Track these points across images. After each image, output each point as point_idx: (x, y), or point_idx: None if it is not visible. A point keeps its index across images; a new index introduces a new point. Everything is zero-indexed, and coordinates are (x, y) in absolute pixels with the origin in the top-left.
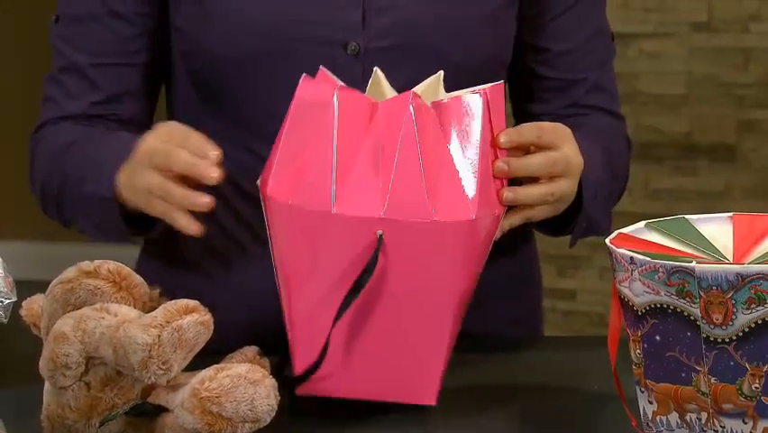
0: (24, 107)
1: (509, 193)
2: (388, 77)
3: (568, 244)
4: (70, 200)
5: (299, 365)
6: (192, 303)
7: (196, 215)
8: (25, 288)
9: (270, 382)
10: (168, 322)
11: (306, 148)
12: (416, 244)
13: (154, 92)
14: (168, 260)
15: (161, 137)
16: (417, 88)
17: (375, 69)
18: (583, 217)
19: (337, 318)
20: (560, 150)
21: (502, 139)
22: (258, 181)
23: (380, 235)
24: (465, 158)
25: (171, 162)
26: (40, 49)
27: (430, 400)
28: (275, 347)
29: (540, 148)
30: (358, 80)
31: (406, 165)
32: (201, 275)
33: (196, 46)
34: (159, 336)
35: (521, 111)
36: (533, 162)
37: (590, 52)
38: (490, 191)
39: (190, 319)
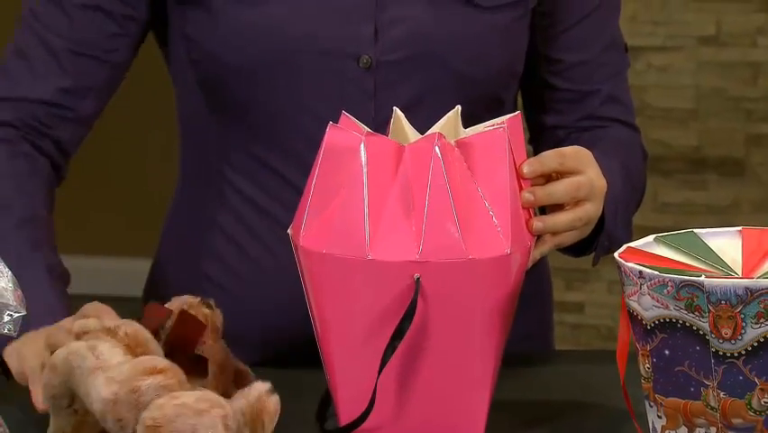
0: None
1: (539, 223)
2: (398, 89)
3: (577, 259)
4: None
5: (344, 414)
6: (162, 364)
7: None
8: None
9: (219, 413)
10: (129, 380)
11: (335, 195)
12: (452, 283)
13: (111, 94)
14: (180, 271)
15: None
16: (437, 126)
17: (395, 109)
18: (605, 236)
19: (383, 366)
20: (583, 174)
21: (525, 170)
22: (289, 230)
23: (418, 279)
24: (493, 193)
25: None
26: None
27: None
28: (289, 359)
29: (563, 174)
30: (369, 93)
31: (437, 206)
32: (213, 286)
33: (207, 55)
34: (115, 395)
35: (535, 122)
36: (558, 189)
37: (604, 64)
38: (521, 223)
39: (151, 382)
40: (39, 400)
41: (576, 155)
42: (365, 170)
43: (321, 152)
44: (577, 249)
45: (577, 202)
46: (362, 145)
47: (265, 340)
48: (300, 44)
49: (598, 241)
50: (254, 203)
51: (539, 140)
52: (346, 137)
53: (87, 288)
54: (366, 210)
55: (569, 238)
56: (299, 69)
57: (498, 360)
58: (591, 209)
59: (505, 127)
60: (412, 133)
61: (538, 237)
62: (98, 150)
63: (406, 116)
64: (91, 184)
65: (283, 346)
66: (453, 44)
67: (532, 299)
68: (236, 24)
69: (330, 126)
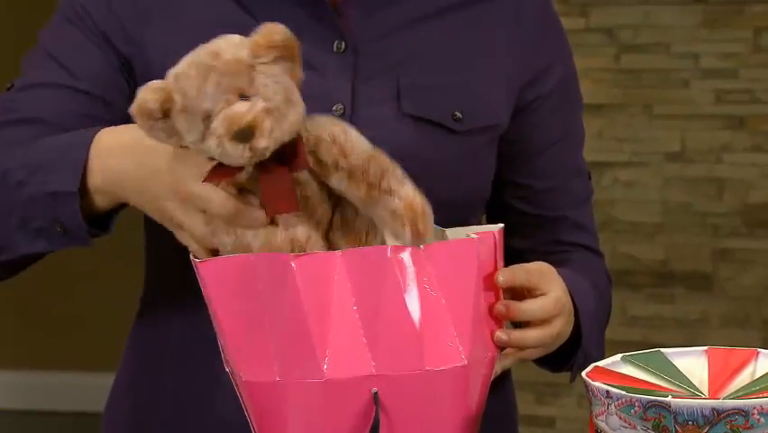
0: None
1: (503, 336)
2: None
3: (545, 371)
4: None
5: None
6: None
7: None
8: None
9: None
10: None
11: (264, 320)
12: (410, 395)
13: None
14: (139, 391)
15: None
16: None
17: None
18: (581, 352)
19: None
20: (550, 293)
21: (500, 278)
22: (227, 368)
23: (375, 393)
24: (457, 303)
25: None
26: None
27: None
28: None
29: (528, 290)
30: None
31: (393, 316)
32: (173, 404)
33: None
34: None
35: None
36: (533, 308)
37: (569, 191)
38: (484, 333)
39: None
40: None
41: (539, 271)
42: (301, 287)
43: (207, 288)
44: (553, 364)
45: (546, 319)
46: (293, 263)
47: None
48: None
49: (576, 357)
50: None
51: (507, 263)
52: (219, 263)
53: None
54: (312, 329)
55: (533, 354)
56: None
57: None
58: (560, 325)
59: (477, 238)
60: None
61: (501, 351)
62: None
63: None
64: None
65: None
66: (424, 167)
67: (497, 417)
68: None
69: (198, 264)
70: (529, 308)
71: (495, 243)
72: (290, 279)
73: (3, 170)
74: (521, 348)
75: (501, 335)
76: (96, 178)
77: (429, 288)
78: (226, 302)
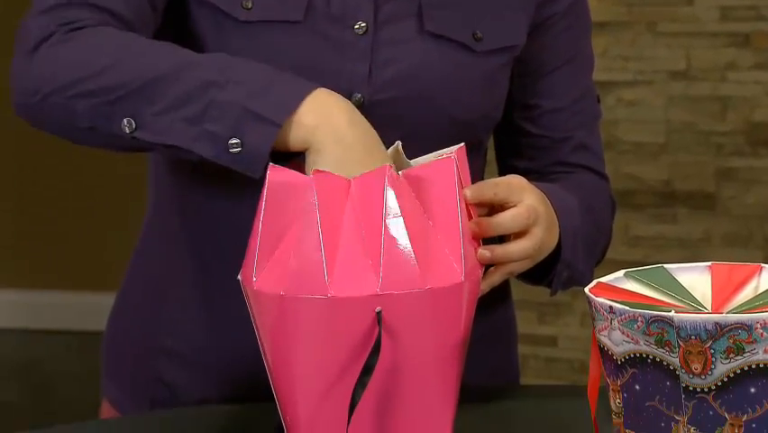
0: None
1: (486, 252)
2: (387, 128)
3: (546, 289)
4: (164, 105)
5: None
6: None
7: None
8: None
9: None
10: None
11: (284, 236)
12: (411, 313)
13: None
14: (148, 296)
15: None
16: None
17: (398, 143)
18: (563, 266)
19: (354, 403)
20: (522, 202)
21: (468, 193)
22: (239, 276)
23: (379, 312)
24: (443, 223)
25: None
26: None
27: None
28: (251, 394)
29: (500, 204)
30: None
31: (393, 238)
32: (181, 308)
33: None
34: None
35: (507, 167)
36: (505, 220)
37: (578, 113)
38: (472, 252)
39: None
40: None
41: (508, 183)
42: (317, 205)
43: (264, 192)
44: (534, 277)
45: (525, 230)
46: (313, 181)
47: (233, 377)
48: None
49: (556, 270)
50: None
51: None
52: (289, 175)
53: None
54: (322, 248)
55: (519, 267)
56: None
57: (457, 387)
58: (541, 234)
59: (453, 156)
60: (407, 165)
61: (486, 268)
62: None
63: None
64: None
65: (249, 382)
66: (445, 87)
67: (498, 334)
68: (233, 49)
69: (270, 167)
70: (501, 220)
71: (464, 161)
72: (309, 195)
73: (184, 62)
74: (506, 263)
75: (484, 252)
76: (308, 115)
77: (416, 211)
78: (271, 207)
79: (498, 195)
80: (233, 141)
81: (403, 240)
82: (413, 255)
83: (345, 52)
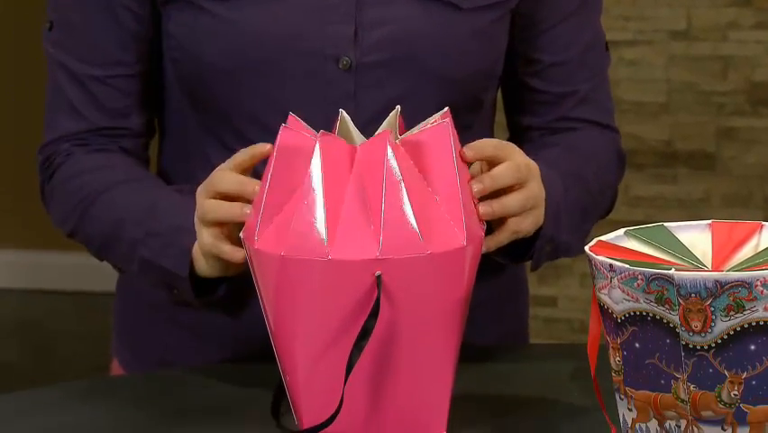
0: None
1: (487, 207)
2: (378, 90)
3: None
4: (120, 258)
5: (306, 416)
6: None
7: None
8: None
9: None
10: None
11: (290, 197)
12: (412, 279)
13: (150, 102)
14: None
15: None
16: (381, 128)
17: (341, 111)
18: (544, 241)
19: (351, 366)
20: (512, 158)
21: (468, 153)
22: (241, 234)
23: (379, 276)
24: (442, 187)
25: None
26: (35, 55)
27: (440, 430)
28: (258, 355)
29: (493, 164)
30: (350, 94)
31: (393, 204)
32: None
33: (187, 53)
34: None
35: (513, 123)
36: (502, 172)
37: (584, 65)
38: (472, 215)
39: None
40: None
41: (499, 143)
42: (320, 170)
43: (274, 153)
44: (516, 254)
45: (520, 184)
46: (317, 146)
47: (236, 337)
48: (280, 45)
49: (535, 246)
50: None
51: (518, 141)
52: (300, 138)
53: (54, 283)
54: (323, 211)
55: (524, 225)
56: (279, 69)
57: (457, 352)
58: (536, 187)
59: (448, 122)
60: (357, 136)
61: (493, 228)
62: None
63: (387, 118)
64: None
65: (256, 343)
66: (433, 46)
67: (509, 299)
68: (216, 23)
69: (282, 128)
70: (499, 172)
71: (453, 127)
72: (313, 156)
73: (117, 219)
74: (507, 216)
75: (485, 207)
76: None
77: (415, 176)
78: (278, 169)
79: (498, 148)
80: (169, 287)
81: (404, 206)
82: (414, 220)
83: (329, 15)
